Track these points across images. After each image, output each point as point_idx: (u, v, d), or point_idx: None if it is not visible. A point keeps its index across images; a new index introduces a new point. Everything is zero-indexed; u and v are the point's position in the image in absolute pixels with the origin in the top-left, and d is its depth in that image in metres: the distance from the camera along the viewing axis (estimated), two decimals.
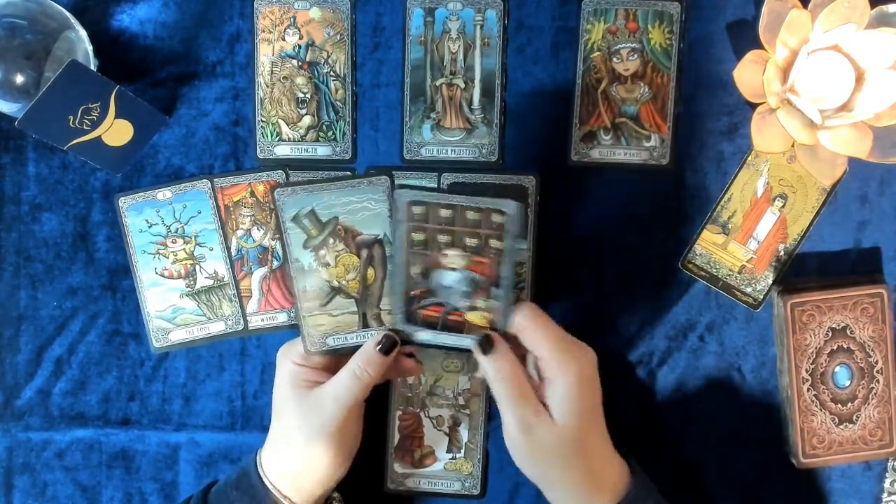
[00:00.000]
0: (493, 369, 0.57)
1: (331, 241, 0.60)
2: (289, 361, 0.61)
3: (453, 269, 0.58)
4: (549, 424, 0.55)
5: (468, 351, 0.59)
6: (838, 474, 0.67)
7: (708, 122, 0.66)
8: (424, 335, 0.60)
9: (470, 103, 0.67)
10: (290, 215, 0.60)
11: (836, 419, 0.65)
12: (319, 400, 0.59)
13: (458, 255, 0.58)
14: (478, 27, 0.66)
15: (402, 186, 0.57)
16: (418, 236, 0.58)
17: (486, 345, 0.58)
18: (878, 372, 0.65)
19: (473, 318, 0.59)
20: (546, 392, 0.56)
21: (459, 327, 0.59)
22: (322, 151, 0.67)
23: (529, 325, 0.57)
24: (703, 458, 0.67)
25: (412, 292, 0.59)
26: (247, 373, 0.69)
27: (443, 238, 0.57)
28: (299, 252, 0.60)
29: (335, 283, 0.61)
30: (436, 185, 0.64)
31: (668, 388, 0.68)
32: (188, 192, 0.67)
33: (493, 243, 0.57)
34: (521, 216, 0.56)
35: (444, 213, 0.57)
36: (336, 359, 0.62)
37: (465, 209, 0.57)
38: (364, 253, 0.61)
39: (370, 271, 0.61)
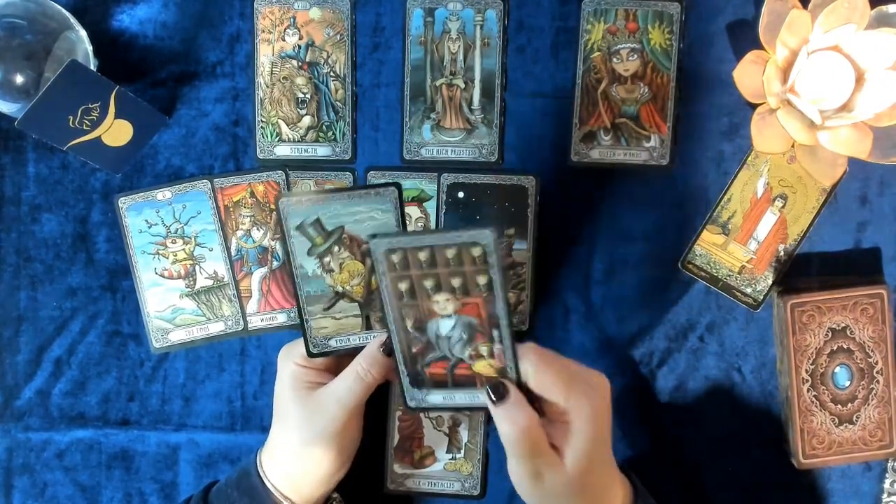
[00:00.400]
0: (508, 421, 0.53)
1: (335, 248, 0.60)
2: (290, 362, 0.61)
3: (446, 316, 0.53)
4: (560, 472, 0.53)
5: (486, 408, 0.55)
6: (838, 475, 0.67)
7: (708, 122, 0.66)
8: (436, 397, 0.56)
9: (470, 103, 0.67)
10: (294, 224, 0.59)
11: (836, 420, 0.65)
12: (321, 401, 0.59)
13: (446, 300, 0.53)
14: (478, 27, 0.66)
15: (374, 236, 0.51)
16: (403, 285, 0.53)
17: (497, 396, 0.54)
18: (877, 372, 0.65)
19: (481, 368, 0.55)
20: (557, 434, 0.54)
21: (470, 380, 0.55)
22: (322, 152, 0.67)
23: (536, 371, 0.53)
24: (704, 458, 0.67)
25: (413, 350, 0.55)
26: (246, 373, 0.69)
27: (428, 283, 0.52)
28: (303, 259, 0.60)
29: (339, 289, 0.60)
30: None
31: (668, 389, 0.68)
32: (188, 193, 0.67)
33: (480, 279, 0.52)
34: (499, 244, 0.51)
35: (422, 255, 0.52)
36: (337, 360, 0.62)
37: (443, 248, 0.51)
38: (369, 260, 0.60)
39: (374, 277, 0.60)
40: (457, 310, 0.53)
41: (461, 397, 0.56)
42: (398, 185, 0.58)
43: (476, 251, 0.51)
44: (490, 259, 0.51)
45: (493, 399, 0.54)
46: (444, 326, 0.54)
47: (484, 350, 0.54)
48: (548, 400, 0.54)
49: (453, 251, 0.51)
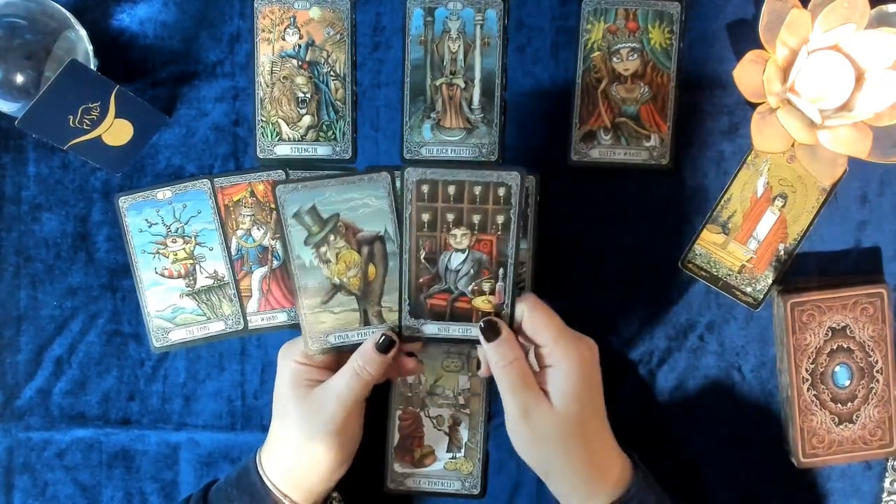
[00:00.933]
0: (497, 355, 0.57)
1: (331, 237, 0.60)
2: (290, 360, 0.61)
3: (459, 250, 0.58)
4: (548, 410, 0.56)
5: (476, 341, 0.59)
6: (838, 474, 0.67)
7: (708, 122, 0.66)
8: (432, 328, 0.60)
9: (470, 103, 0.67)
10: (291, 212, 0.60)
11: (836, 419, 0.65)
12: (320, 399, 0.59)
13: (463, 234, 0.58)
14: (478, 27, 0.66)
15: (409, 163, 0.57)
16: (426, 216, 0.58)
17: (491, 332, 0.58)
18: (877, 372, 0.65)
19: (479, 303, 0.59)
20: (546, 379, 0.57)
21: (467, 315, 0.59)
22: (322, 151, 0.67)
23: (530, 314, 0.58)
24: (703, 457, 0.67)
25: (420, 280, 0.59)
26: (247, 373, 0.69)
27: (450, 216, 0.58)
28: (300, 249, 0.60)
29: (336, 280, 0.61)
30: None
31: (668, 388, 0.68)
32: (188, 192, 0.67)
33: (498, 219, 0.57)
34: (525, 187, 0.56)
35: (451, 189, 0.57)
36: (337, 357, 0.62)
37: (472, 184, 0.57)
38: (365, 250, 0.61)
39: (371, 268, 0.61)
40: (470, 245, 0.58)
41: (455, 329, 0.60)
42: (391, 171, 0.59)
43: (502, 191, 0.57)
44: (513, 199, 0.57)
45: (487, 337, 0.58)
46: (455, 259, 0.58)
47: (486, 286, 0.59)
48: (537, 343, 0.57)
49: (480, 188, 0.57)
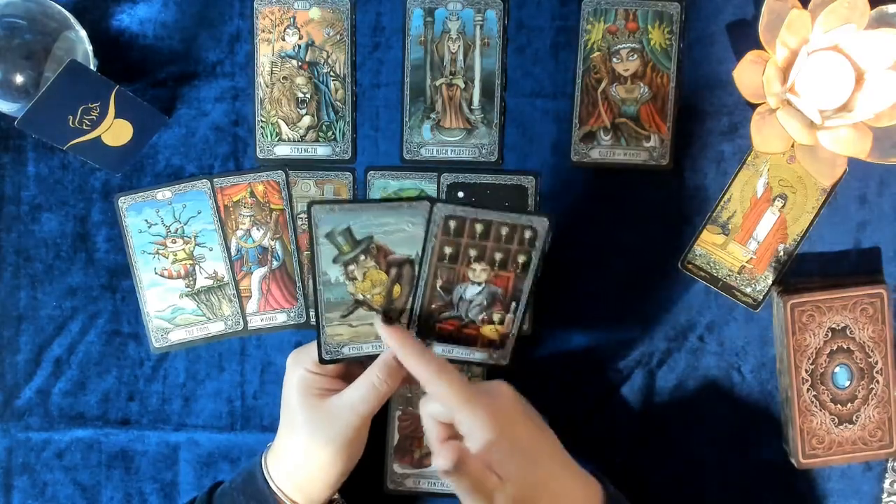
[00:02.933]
0: (442, 456, 0.51)
1: (362, 257, 0.60)
2: (301, 368, 0.61)
3: (476, 283, 0.60)
4: (504, 493, 0.51)
5: (475, 363, 0.62)
6: (838, 474, 0.67)
7: (708, 122, 0.66)
8: (436, 349, 0.62)
9: (470, 103, 0.67)
10: (324, 231, 0.60)
11: (836, 419, 0.65)
12: (335, 409, 0.59)
13: (483, 269, 0.60)
14: (478, 27, 0.66)
15: (440, 200, 0.59)
16: (449, 250, 0.59)
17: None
18: (877, 372, 0.65)
19: (487, 331, 0.61)
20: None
21: (472, 340, 0.62)
22: (322, 151, 0.67)
23: (430, 384, 0.54)
24: (703, 458, 0.67)
25: (432, 306, 0.61)
26: (246, 373, 0.69)
27: (472, 252, 0.59)
28: (328, 266, 0.60)
29: (359, 297, 0.61)
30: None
31: (668, 388, 0.67)
32: (188, 192, 0.67)
33: (520, 258, 0.59)
34: (550, 232, 0.59)
35: (479, 227, 0.59)
36: (347, 367, 0.62)
37: (500, 225, 0.59)
38: (394, 271, 0.61)
39: (396, 287, 0.61)
40: (488, 279, 0.60)
41: (459, 352, 0.62)
42: (431, 200, 0.59)
43: (528, 233, 0.59)
44: (537, 243, 0.59)
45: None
46: (471, 291, 0.61)
47: (496, 317, 0.61)
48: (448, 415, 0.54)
49: (507, 229, 0.59)
